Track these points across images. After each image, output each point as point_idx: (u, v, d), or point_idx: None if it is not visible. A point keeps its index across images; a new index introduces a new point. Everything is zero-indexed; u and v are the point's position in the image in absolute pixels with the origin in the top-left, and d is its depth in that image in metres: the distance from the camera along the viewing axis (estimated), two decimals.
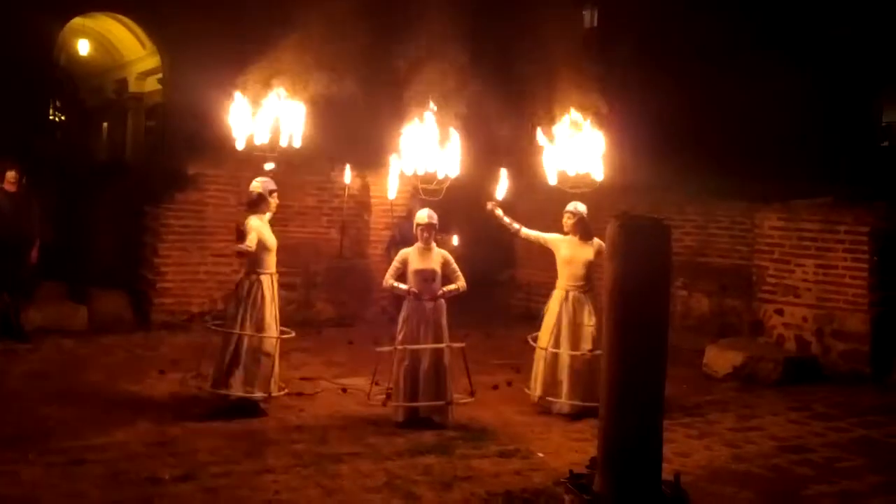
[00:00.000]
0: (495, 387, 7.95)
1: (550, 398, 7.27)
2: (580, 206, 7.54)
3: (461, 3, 7.88)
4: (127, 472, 5.49)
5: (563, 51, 8.22)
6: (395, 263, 7.00)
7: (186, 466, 5.61)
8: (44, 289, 9.89)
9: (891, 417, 7.37)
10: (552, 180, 7.42)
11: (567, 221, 7.55)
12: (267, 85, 7.14)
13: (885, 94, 14.83)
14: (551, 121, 7.68)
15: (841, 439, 6.75)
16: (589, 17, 14.96)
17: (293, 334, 7.33)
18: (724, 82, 12.73)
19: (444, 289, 6.93)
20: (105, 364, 8.48)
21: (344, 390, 7.61)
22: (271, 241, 7.04)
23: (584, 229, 7.49)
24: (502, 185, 7.38)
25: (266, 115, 7.04)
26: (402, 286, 6.91)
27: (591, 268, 7.42)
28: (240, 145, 7.09)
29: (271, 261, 7.04)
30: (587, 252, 7.43)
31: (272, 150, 7.15)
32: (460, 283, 6.98)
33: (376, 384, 7.01)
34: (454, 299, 7.11)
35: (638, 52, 12.25)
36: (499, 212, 7.53)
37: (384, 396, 6.97)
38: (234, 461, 5.78)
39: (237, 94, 7.05)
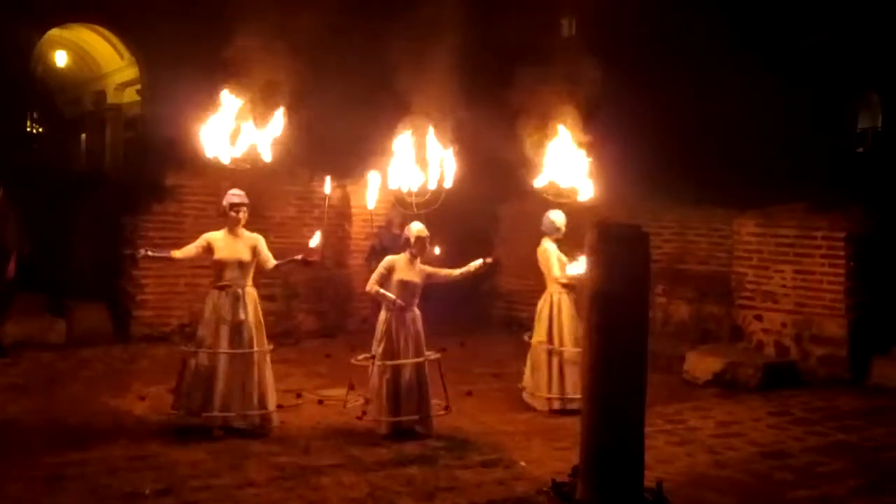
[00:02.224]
0: (469, 392, 7.97)
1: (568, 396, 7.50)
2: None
3: (444, 14, 7.92)
4: (107, 486, 5.44)
5: (541, 59, 8.27)
6: (381, 269, 6.90)
7: (167, 480, 5.57)
8: (21, 302, 9.79)
9: (869, 421, 7.44)
10: (544, 194, 7.63)
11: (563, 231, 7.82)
12: (245, 96, 7.12)
13: (859, 100, 15.01)
14: (533, 129, 7.76)
15: (820, 443, 6.80)
16: (567, 26, 15.04)
17: (270, 347, 7.10)
18: (700, 90, 12.85)
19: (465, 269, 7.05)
20: (84, 378, 8.41)
21: (320, 402, 7.57)
22: (226, 253, 6.76)
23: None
24: None
25: (245, 127, 7.01)
26: (389, 295, 6.85)
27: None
28: (224, 159, 7.03)
29: (228, 275, 6.75)
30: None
31: (252, 163, 7.11)
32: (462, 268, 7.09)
33: (359, 395, 7.01)
34: (434, 308, 7.12)
35: (615, 61, 12.33)
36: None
37: (361, 403, 6.97)
38: (215, 475, 5.74)
39: (224, 107, 6.99)
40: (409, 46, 7.70)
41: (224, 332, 6.70)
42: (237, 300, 6.76)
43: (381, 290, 6.86)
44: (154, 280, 10.29)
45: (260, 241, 6.94)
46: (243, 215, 6.88)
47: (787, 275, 9.24)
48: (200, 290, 10.40)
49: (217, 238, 6.81)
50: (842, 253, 8.86)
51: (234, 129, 6.95)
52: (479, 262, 7.10)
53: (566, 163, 7.66)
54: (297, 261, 6.99)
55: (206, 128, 6.92)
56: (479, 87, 8.54)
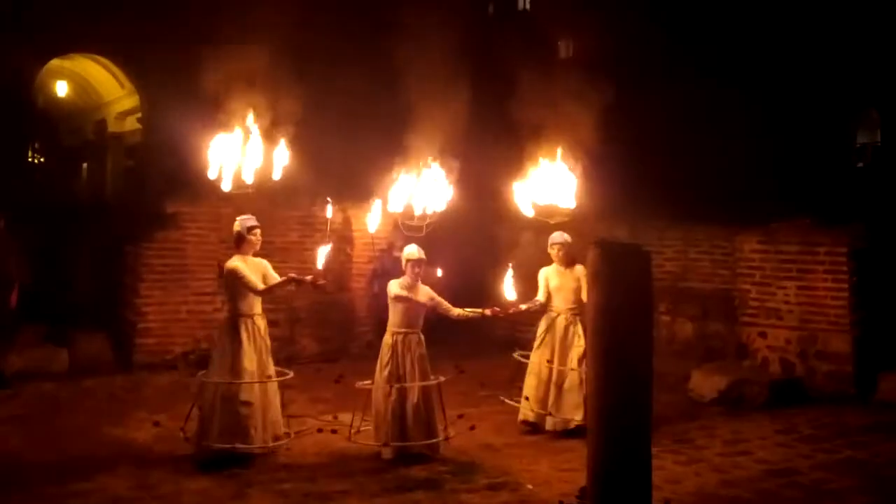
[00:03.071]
0: (472, 428, 7.56)
1: (545, 415, 7.51)
2: (566, 236, 7.79)
3: (445, 39, 7.96)
4: None
5: (539, 81, 8.30)
6: (396, 290, 6.89)
7: None
8: (23, 332, 9.77)
9: (877, 437, 7.40)
10: (528, 212, 7.58)
11: (558, 253, 7.78)
12: (246, 121, 7.13)
13: (859, 117, 15.06)
14: (528, 150, 7.78)
15: (828, 461, 6.75)
16: (564, 48, 15.13)
17: (290, 374, 7.10)
18: (700, 107, 12.88)
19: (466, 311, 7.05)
20: (87, 407, 8.38)
21: (334, 431, 7.48)
22: (255, 281, 6.73)
23: (569, 257, 7.76)
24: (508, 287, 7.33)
25: (249, 152, 7.00)
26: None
27: (578, 292, 7.65)
28: (226, 186, 7.02)
29: (252, 303, 6.78)
30: (572, 278, 7.72)
31: (256, 187, 7.09)
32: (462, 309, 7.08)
33: (364, 421, 6.98)
34: (436, 328, 7.10)
35: (614, 80, 12.39)
36: (522, 306, 7.47)
37: (360, 426, 6.94)
38: (219, 503, 5.70)
39: (221, 133, 6.99)
40: (410, 70, 7.73)
41: (262, 360, 6.73)
42: (265, 327, 6.83)
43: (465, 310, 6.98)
44: (156, 308, 10.27)
45: (268, 264, 6.96)
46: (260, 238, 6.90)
47: (791, 291, 9.22)
48: (202, 316, 10.43)
49: (246, 266, 6.75)
50: (845, 268, 8.85)
51: (239, 156, 6.96)
52: (479, 311, 7.08)
53: (558, 184, 7.64)
54: (305, 281, 6.75)
55: (212, 155, 6.92)
56: (479, 110, 8.56)
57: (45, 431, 7.45)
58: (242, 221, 6.87)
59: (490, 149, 9.37)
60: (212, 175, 6.97)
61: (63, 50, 14.50)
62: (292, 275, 6.76)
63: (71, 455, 6.75)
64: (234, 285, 6.70)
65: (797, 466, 6.59)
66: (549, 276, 7.81)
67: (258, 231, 6.89)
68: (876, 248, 9.00)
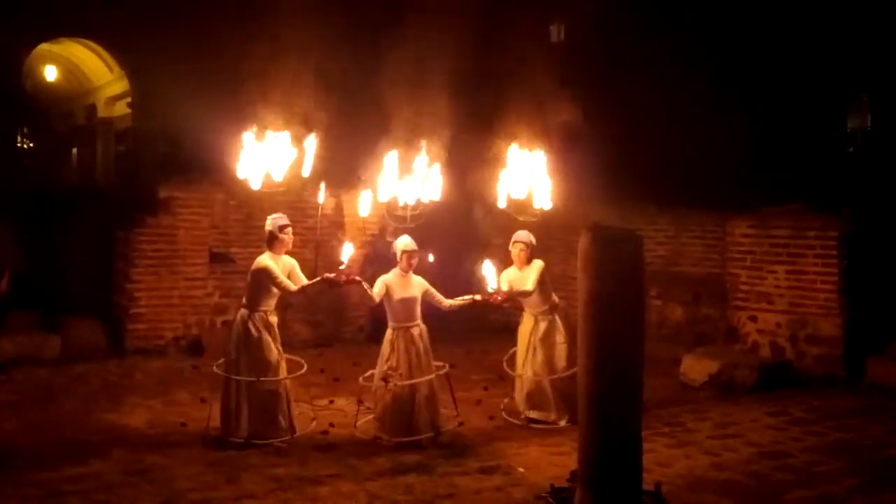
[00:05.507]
0: (478, 401, 7.92)
1: (539, 412, 7.44)
2: (531, 237, 7.54)
3: (436, 29, 7.93)
4: (105, 502, 5.42)
5: (531, 65, 8.28)
6: (380, 289, 6.84)
7: (165, 494, 5.56)
8: (15, 318, 9.74)
9: (866, 420, 7.46)
10: (501, 203, 7.46)
11: (519, 253, 7.50)
12: (247, 114, 7.10)
13: (849, 100, 15.06)
14: (518, 138, 7.74)
15: (818, 443, 6.81)
16: (556, 32, 15.08)
17: (304, 369, 7.18)
18: (690, 92, 12.88)
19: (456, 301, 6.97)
20: (80, 393, 8.37)
21: (332, 425, 7.44)
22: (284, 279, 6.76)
23: (530, 258, 7.51)
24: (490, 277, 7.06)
25: (277, 152, 6.93)
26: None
27: (542, 289, 7.44)
28: (255, 185, 6.98)
29: (272, 301, 6.80)
30: (527, 278, 7.42)
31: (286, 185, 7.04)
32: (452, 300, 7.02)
33: (367, 408, 7.02)
34: (431, 317, 7.12)
35: (605, 64, 12.38)
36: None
37: (364, 408, 6.96)
38: (213, 487, 5.72)
39: (249, 133, 6.91)
40: (401, 55, 7.71)
41: (280, 351, 6.84)
42: (276, 321, 6.89)
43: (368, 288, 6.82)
44: (147, 293, 10.27)
45: (295, 263, 6.93)
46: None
47: (781, 275, 9.26)
48: (194, 301, 10.44)
49: (276, 265, 6.74)
50: (835, 252, 8.90)
51: (267, 156, 6.88)
52: (469, 297, 7.02)
53: (533, 181, 7.45)
54: (338, 282, 6.69)
55: (243, 155, 6.86)
56: (470, 99, 8.54)
57: (37, 417, 7.45)
58: (274, 221, 6.81)
59: (478, 135, 9.34)
60: (242, 175, 6.94)
61: (51, 34, 14.40)
62: (327, 275, 6.70)
63: (64, 440, 6.75)
64: (263, 283, 6.71)
65: (787, 449, 6.65)
66: (509, 281, 7.44)
67: (290, 230, 6.85)
68: (866, 232, 9.05)
